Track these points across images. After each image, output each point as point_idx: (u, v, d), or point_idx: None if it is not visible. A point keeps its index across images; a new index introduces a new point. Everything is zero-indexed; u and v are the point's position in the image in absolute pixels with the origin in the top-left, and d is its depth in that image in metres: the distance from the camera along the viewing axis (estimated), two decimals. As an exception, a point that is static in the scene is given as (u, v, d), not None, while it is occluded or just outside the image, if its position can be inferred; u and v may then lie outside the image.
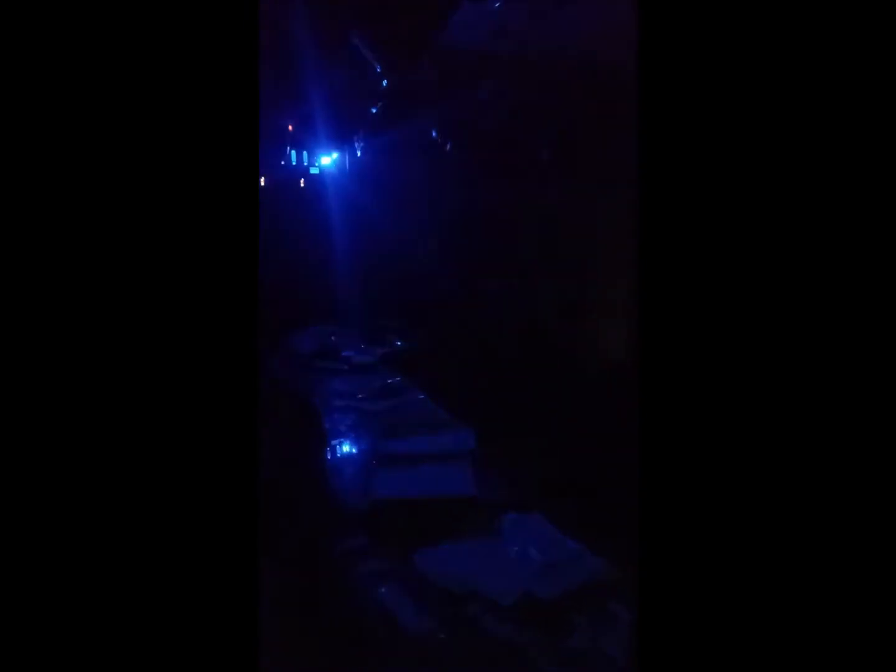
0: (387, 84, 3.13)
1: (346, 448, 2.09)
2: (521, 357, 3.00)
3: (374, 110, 3.16)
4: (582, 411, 2.26)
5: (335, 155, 4.01)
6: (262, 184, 4.08)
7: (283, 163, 4.15)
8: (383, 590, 1.32)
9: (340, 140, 3.64)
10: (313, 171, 4.04)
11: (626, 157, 0.88)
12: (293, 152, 4.05)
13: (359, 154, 3.26)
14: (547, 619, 1.22)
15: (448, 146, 3.33)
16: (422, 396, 2.64)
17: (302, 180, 4.13)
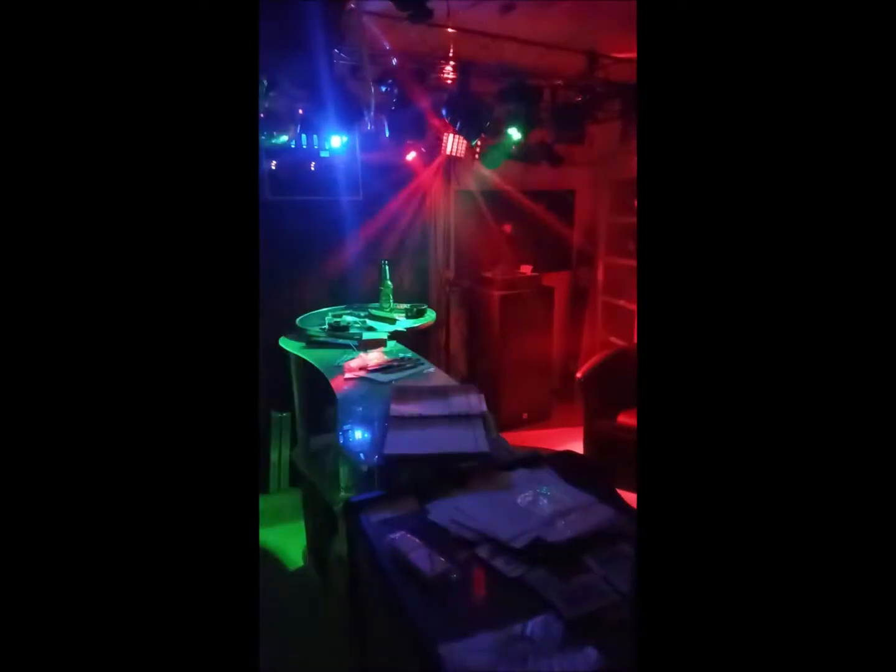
0: (396, 62, 3.14)
1: (356, 411, 2.10)
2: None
3: (383, 89, 3.18)
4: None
5: (345, 138, 4.01)
6: (273, 168, 4.10)
7: (293, 146, 4.15)
8: (395, 535, 1.34)
9: (350, 122, 3.63)
10: (323, 154, 4.06)
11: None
12: (304, 136, 4.06)
13: (369, 129, 3.27)
14: (558, 559, 1.23)
15: (458, 125, 3.34)
16: (431, 369, 2.65)
17: (312, 164, 4.15)
